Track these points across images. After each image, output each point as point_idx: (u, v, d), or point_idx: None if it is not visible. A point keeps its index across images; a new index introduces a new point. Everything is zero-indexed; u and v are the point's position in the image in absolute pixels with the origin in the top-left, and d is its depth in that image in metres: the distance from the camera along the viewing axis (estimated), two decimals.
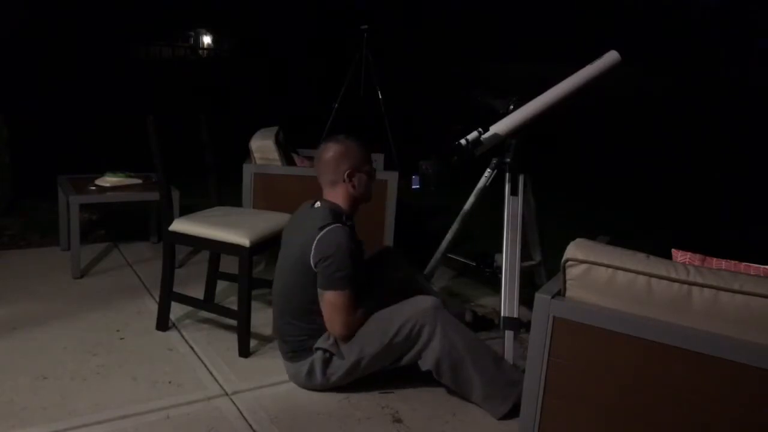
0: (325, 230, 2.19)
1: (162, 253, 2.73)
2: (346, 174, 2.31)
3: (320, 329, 2.28)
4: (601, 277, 1.72)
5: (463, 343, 2.20)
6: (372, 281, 2.39)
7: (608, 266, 1.71)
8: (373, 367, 2.27)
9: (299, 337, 2.30)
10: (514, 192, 2.63)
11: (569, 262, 1.77)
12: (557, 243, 2.17)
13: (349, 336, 2.24)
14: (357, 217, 2.41)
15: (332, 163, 2.32)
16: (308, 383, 2.31)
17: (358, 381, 2.30)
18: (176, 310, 2.85)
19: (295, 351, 2.32)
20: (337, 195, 2.34)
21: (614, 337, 1.69)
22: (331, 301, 2.21)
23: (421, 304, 2.23)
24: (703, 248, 1.93)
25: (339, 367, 2.26)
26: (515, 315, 2.47)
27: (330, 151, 2.34)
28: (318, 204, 2.33)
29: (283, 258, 2.39)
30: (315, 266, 2.20)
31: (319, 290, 2.22)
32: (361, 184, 2.35)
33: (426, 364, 2.22)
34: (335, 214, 2.27)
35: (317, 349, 2.28)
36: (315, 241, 2.18)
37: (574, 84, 2.62)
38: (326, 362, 2.26)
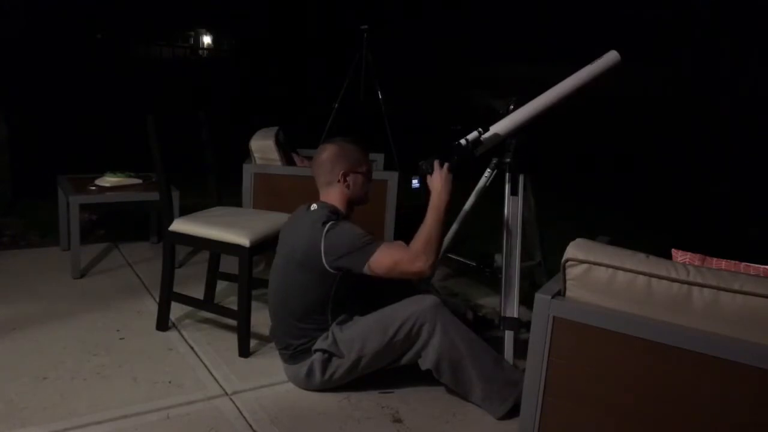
0: (327, 230, 2.18)
1: (162, 253, 2.74)
2: (340, 174, 2.31)
3: (318, 330, 2.28)
4: (601, 277, 1.72)
5: (463, 342, 2.20)
6: (373, 281, 2.39)
7: (608, 266, 1.71)
8: (373, 366, 2.27)
9: (297, 338, 2.30)
10: (514, 192, 2.63)
11: (569, 262, 1.77)
12: (557, 243, 2.17)
13: (431, 261, 2.15)
14: (358, 217, 2.41)
15: (327, 164, 2.33)
16: (308, 384, 2.31)
17: (358, 381, 2.30)
18: (176, 310, 2.85)
19: (293, 353, 2.32)
20: (332, 196, 2.34)
21: (614, 337, 1.69)
22: (383, 265, 2.15)
23: (421, 302, 2.23)
24: (703, 248, 1.92)
25: (339, 366, 2.26)
26: (515, 315, 2.47)
27: (325, 152, 2.35)
28: (314, 206, 2.33)
29: (279, 259, 2.38)
30: (333, 263, 2.18)
31: (365, 270, 2.17)
32: (357, 186, 2.35)
33: (426, 362, 2.22)
34: (333, 211, 2.27)
35: (316, 350, 2.28)
36: (323, 243, 2.17)
37: (574, 84, 2.62)
38: (325, 362, 2.26)
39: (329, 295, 2.25)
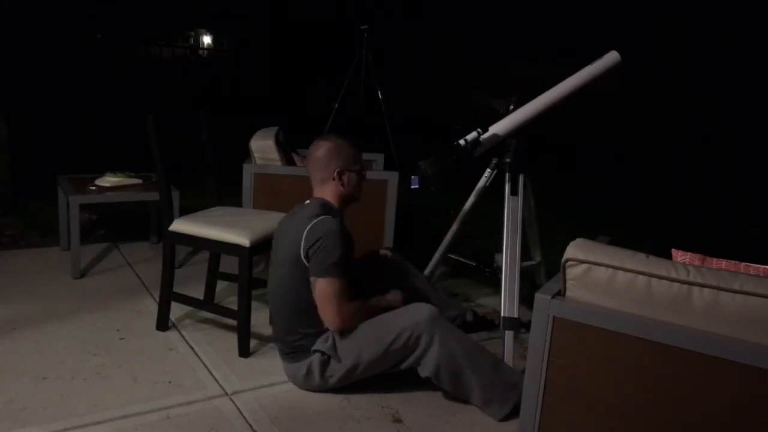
0: (315, 220, 2.20)
1: (162, 253, 2.74)
2: (336, 172, 2.32)
3: (317, 329, 2.28)
4: (601, 277, 1.72)
5: (461, 350, 2.19)
6: (370, 282, 2.39)
7: (608, 266, 1.71)
8: (369, 373, 2.27)
9: (296, 336, 2.30)
10: (514, 192, 2.63)
11: (569, 262, 1.76)
12: (557, 243, 2.17)
13: (342, 325, 2.22)
14: (357, 217, 2.41)
15: (323, 161, 2.33)
16: (306, 384, 2.31)
17: (358, 381, 2.30)
18: (176, 310, 2.85)
19: (293, 351, 2.32)
20: (326, 193, 2.35)
21: (614, 337, 1.69)
22: (323, 289, 2.19)
23: (418, 314, 2.21)
24: (703, 248, 1.92)
25: (336, 371, 2.25)
26: (515, 315, 2.47)
27: (320, 149, 2.35)
28: (308, 201, 2.34)
29: (275, 257, 2.39)
30: (307, 255, 2.19)
31: (311, 279, 2.21)
32: (351, 183, 2.36)
33: (425, 371, 2.21)
34: (325, 207, 2.28)
35: (315, 351, 2.27)
36: (306, 231, 2.19)
37: (574, 84, 2.63)
38: (324, 364, 2.26)
39: None
